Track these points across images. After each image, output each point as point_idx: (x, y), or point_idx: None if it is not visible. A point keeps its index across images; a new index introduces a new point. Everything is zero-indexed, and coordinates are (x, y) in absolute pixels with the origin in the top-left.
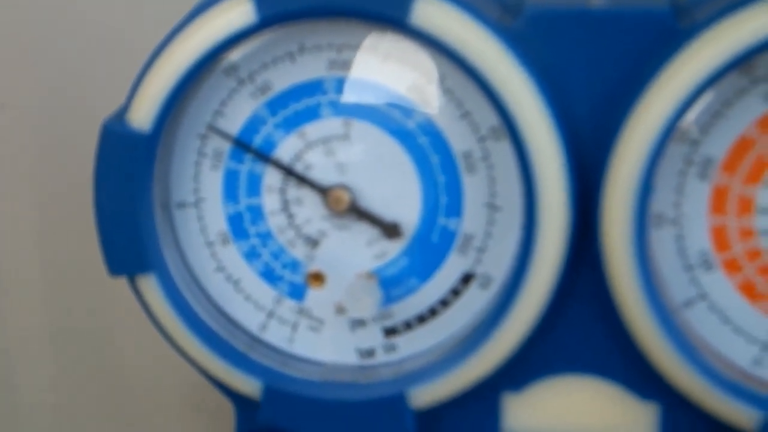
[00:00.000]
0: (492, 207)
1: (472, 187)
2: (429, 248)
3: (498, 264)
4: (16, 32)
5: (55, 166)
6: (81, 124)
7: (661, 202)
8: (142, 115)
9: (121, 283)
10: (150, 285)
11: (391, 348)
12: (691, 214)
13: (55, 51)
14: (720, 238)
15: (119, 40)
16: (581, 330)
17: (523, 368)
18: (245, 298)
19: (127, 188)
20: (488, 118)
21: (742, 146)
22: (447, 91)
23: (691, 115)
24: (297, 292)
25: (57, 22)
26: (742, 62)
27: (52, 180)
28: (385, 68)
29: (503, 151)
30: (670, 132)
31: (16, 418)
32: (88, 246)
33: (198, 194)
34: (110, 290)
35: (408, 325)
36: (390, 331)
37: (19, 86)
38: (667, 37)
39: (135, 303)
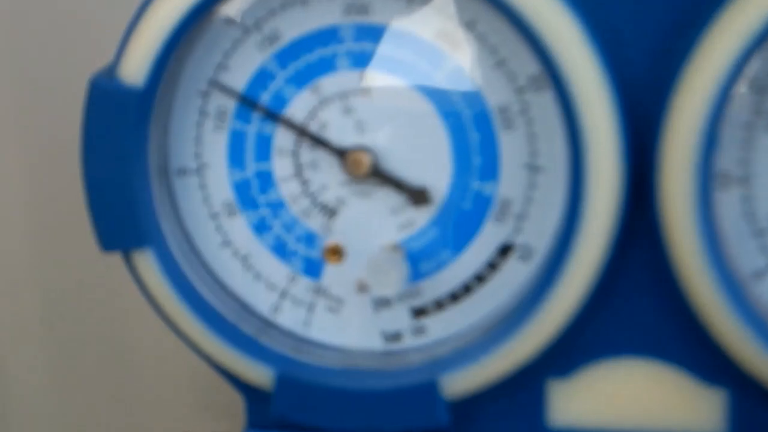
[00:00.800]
0: (533, 168)
1: (510, 146)
2: (461, 216)
3: (540, 233)
4: None
5: (36, 129)
6: (64, 79)
7: (726, 159)
8: (135, 69)
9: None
10: (147, 261)
11: (420, 330)
12: (762, 172)
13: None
14: None
15: None
16: (636, 307)
17: (571, 351)
18: (255, 276)
19: (120, 152)
20: (527, 65)
21: None
22: (479, 35)
23: (758, 61)
24: (313, 269)
25: None
26: None
27: (34, 143)
28: (409, 11)
29: (545, 103)
30: (735, 78)
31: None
32: (79, 219)
33: (200, 159)
34: (106, 269)
35: (439, 305)
36: (419, 312)
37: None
38: None
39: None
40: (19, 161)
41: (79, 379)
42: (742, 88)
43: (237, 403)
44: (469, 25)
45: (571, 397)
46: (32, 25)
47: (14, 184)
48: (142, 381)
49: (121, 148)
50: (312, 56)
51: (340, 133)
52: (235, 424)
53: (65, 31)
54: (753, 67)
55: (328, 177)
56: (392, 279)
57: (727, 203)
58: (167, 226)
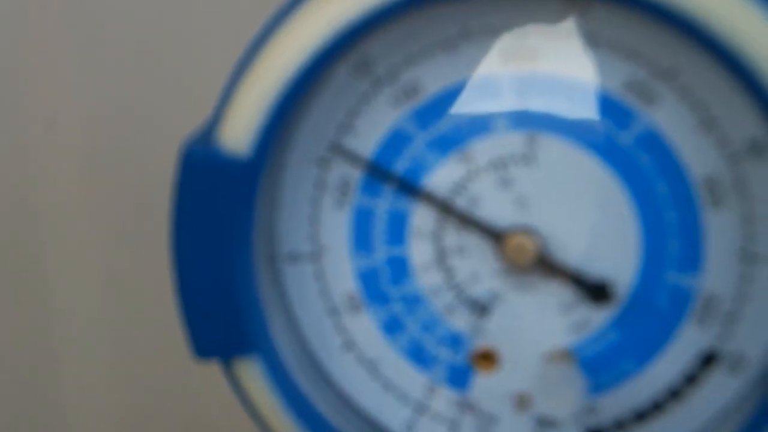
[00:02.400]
0: (748, 256)
1: (719, 228)
2: (652, 316)
3: (756, 338)
4: (64, 39)
5: (114, 198)
6: (148, 144)
7: None
8: (240, 135)
9: None
10: (252, 371)
11: None
12: None
13: (110, 55)
14: None
15: (193, 32)
16: None
17: None
18: (384, 386)
19: (220, 236)
20: (746, 126)
21: None
22: (682, 87)
23: None
24: (459, 378)
25: (109, 20)
26: None
27: (112, 216)
28: (588, 57)
29: (767, 174)
30: None
31: None
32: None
33: (316, 242)
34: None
35: (620, 425)
36: None
37: (69, 101)
38: None
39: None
40: (94, 246)
41: None
42: None
43: None
44: (669, 74)
45: None
46: (105, 82)
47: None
48: None
49: (220, 229)
50: (460, 115)
51: (497, 211)
52: None
53: (145, 82)
54: None
55: (479, 265)
56: (566, 397)
57: None
58: (276, 327)
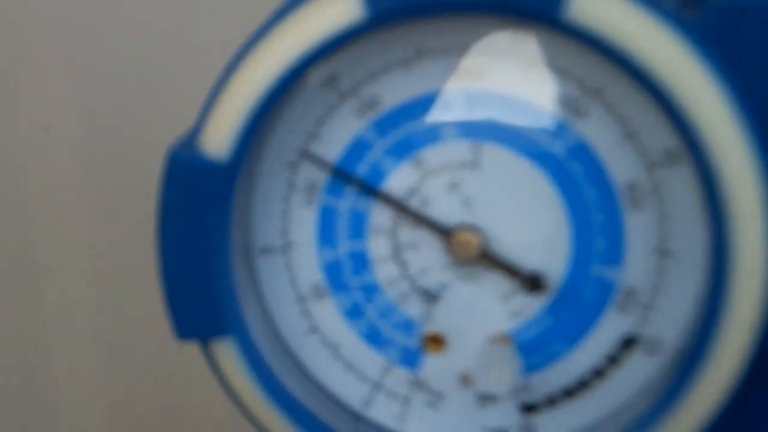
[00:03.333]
0: (663, 253)
1: (638, 228)
2: (580, 304)
3: (670, 324)
4: (59, 46)
5: (106, 201)
6: (137, 150)
7: None
8: (219, 140)
9: None
10: (227, 352)
11: (528, 429)
12: None
13: (103, 62)
14: None
15: (181, 46)
16: None
17: None
18: (345, 366)
19: (200, 230)
20: (661, 138)
21: None
22: (608, 105)
23: None
24: (410, 359)
25: (102, 29)
26: None
27: (104, 217)
28: (527, 76)
29: (680, 180)
30: None
31: None
32: (147, 298)
33: (286, 237)
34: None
35: (551, 401)
36: (528, 408)
37: (63, 107)
38: None
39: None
40: (87, 237)
41: None
42: None
43: None
44: (596, 93)
45: None
46: (97, 90)
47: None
48: None
49: (201, 226)
50: (415, 125)
51: (445, 211)
52: None
53: (134, 92)
54: None
55: (429, 259)
56: (503, 375)
57: None
58: (249, 312)
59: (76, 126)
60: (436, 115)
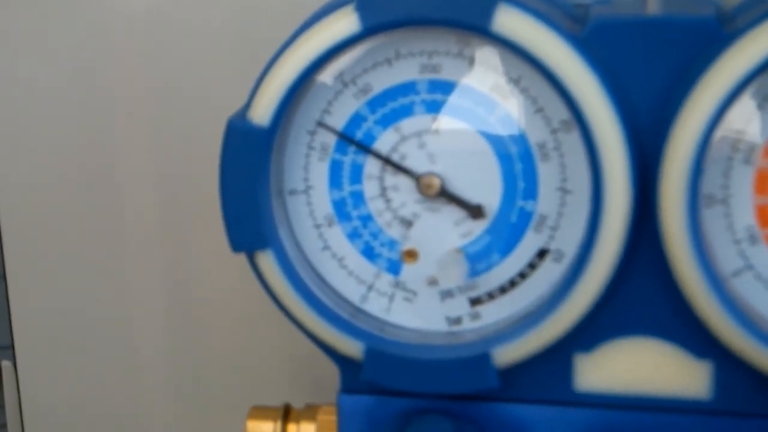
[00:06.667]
0: (564, 190)
1: (546, 174)
2: (509, 227)
3: (569, 240)
4: (142, 45)
5: (180, 164)
6: (205, 124)
7: (710, 184)
8: (262, 113)
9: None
10: (267, 260)
11: (476, 316)
12: (737, 194)
13: (178, 63)
14: (764, 215)
15: (239, 51)
16: (643, 297)
17: (593, 331)
18: (348, 273)
19: (248, 177)
20: (560, 112)
21: None
22: (524, 89)
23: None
24: (393, 268)
25: (178, 39)
26: None
27: (177, 177)
28: (470, 71)
29: (573, 141)
30: (715, 123)
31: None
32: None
33: (307, 182)
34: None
35: (491, 296)
36: (475, 301)
37: (144, 96)
38: (713, 41)
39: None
40: (162, 192)
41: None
42: (722, 131)
43: (327, 378)
44: (515, 81)
45: (593, 366)
46: (171, 83)
47: (156, 215)
48: (255, 359)
49: (249, 173)
50: (395, 103)
51: (416, 162)
52: (327, 396)
53: (203, 83)
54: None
55: (406, 196)
56: (455, 275)
57: (712, 218)
58: (282, 234)
59: (153, 111)
60: (409, 97)
